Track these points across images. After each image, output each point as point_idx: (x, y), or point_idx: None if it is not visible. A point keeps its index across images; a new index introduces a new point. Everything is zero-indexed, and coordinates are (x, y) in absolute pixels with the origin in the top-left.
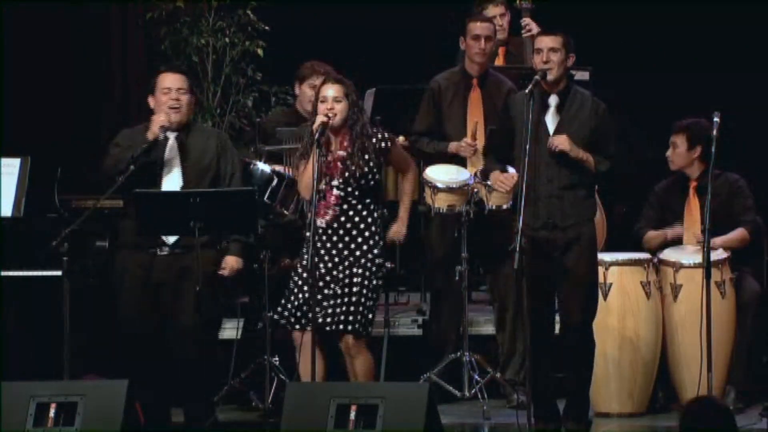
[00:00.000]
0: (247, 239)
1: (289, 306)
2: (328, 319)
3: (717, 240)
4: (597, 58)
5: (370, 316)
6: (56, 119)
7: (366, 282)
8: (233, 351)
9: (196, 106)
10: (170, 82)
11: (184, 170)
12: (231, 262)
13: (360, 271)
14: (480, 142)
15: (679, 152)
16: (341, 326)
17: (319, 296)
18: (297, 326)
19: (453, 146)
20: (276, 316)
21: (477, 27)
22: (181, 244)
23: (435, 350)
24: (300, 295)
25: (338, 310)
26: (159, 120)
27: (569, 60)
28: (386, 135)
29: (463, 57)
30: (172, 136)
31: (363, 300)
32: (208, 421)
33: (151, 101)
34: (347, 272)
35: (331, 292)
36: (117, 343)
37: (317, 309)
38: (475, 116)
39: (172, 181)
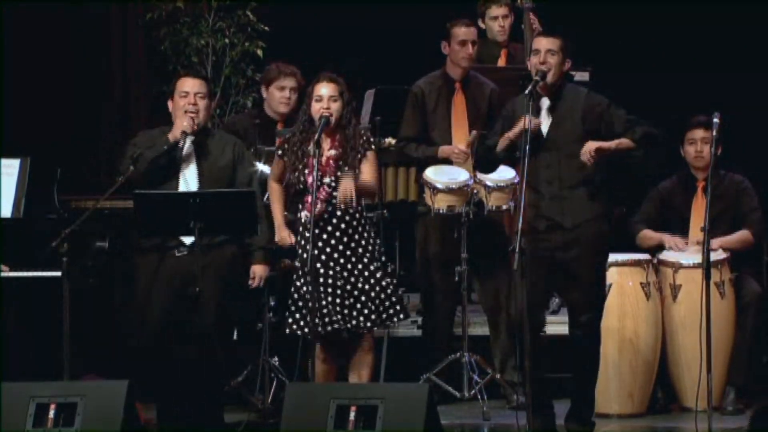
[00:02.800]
0: (270, 246)
1: (305, 312)
2: (362, 320)
3: (716, 241)
4: (597, 58)
5: (404, 299)
6: (56, 119)
7: (384, 273)
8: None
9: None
10: (189, 86)
11: (200, 171)
12: (259, 271)
13: (377, 265)
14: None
15: (708, 150)
16: (387, 322)
17: (337, 300)
18: (321, 332)
19: (445, 150)
20: (297, 329)
21: (462, 32)
22: (201, 243)
23: (429, 345)
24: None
25: (372, 309)
26: (181, 125)
27: (566, 64)
28: (371, 141)
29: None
30: (189, 139)
31: (392, 289)
32: (215, 422)
33: (169, 105)
34: (365, 274)
35: (353, 298)
36: (117, 343)
37: (336, 311)
38: (460, 120)
39: (189, 182)
